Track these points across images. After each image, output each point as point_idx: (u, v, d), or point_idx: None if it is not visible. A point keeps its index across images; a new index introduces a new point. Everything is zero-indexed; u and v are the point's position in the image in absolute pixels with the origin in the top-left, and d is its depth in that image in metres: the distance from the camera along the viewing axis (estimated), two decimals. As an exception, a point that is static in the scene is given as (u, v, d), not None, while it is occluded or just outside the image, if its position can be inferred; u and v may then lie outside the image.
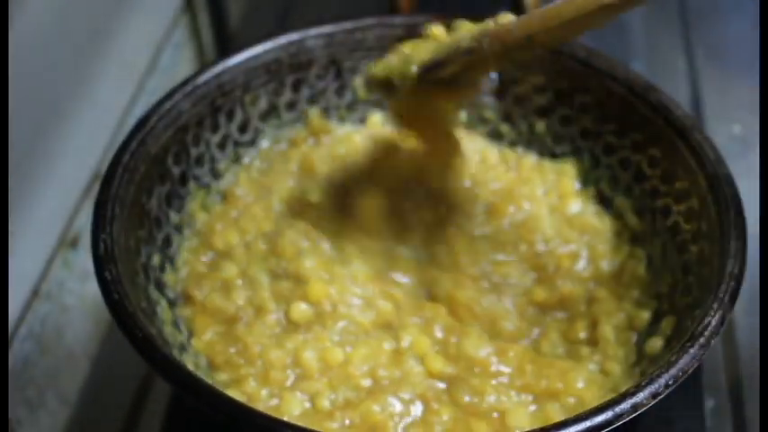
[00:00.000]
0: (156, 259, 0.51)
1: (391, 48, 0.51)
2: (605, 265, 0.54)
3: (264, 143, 0.59)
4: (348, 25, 0.58)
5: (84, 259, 0.60)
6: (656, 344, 0.48)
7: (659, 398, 0.40)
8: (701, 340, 0.42)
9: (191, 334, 0.50)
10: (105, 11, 0.65)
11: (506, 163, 0.59)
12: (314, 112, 0.59)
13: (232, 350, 0.49)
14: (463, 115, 0.60)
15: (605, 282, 0.53)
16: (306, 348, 0.48)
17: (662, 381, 0.40)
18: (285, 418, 0.45)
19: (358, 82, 0.60)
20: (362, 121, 0.61)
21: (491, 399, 0.47)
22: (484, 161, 0.59)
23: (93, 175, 0.63)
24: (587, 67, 0.56)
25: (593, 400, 0.46)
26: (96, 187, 0.48)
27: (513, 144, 0.60)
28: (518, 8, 0.63)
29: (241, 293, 0.51)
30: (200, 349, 0.49)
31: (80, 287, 0.61)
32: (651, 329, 0.50)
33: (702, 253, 0.48)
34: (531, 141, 0.60)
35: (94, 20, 0.63)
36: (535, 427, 0.39)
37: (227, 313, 0.50)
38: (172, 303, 0.50)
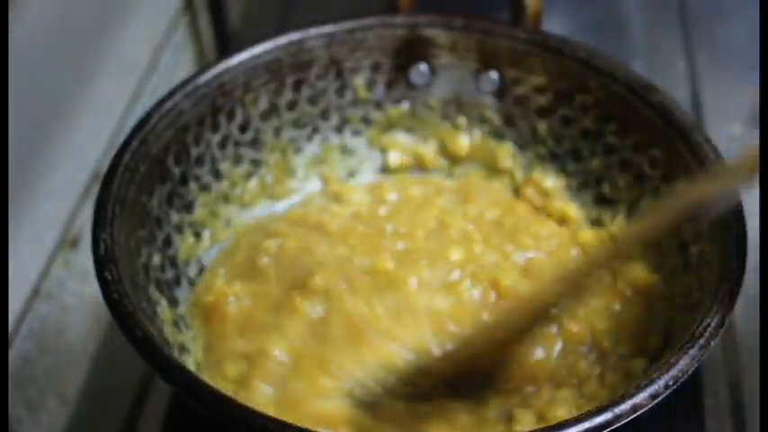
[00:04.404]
0: (156, 259, 0.51)
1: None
2: None
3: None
4: (348, 25, 0.58)
5: (84, 259, 0.60)
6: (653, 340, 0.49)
7: (659, 399, 0.40)
8: (701, 341, 0.42)
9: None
10: (105, 11, 0.65)
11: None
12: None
13: None
14: (463, 118, 0.60)
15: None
16: None
17: (661, 382, 0.40)
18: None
19: (358, 81, 0.60)
20: (365, 121, 0.61)
21: None
22: None
23: (93, 175, 0.63)
24: (588, 68, 0.56)
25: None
26: (96, 187, 0.48)
27: (513, 145, 0.60)
28: (517, 9, 0.63)
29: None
30: None
31: (80, 287, 0.61)
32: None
33: (702, 253, 0.48)
34: (531, 142, 0.60)
35: (94, 20, 0.63)
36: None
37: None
38: (172, 303, 0.50)
